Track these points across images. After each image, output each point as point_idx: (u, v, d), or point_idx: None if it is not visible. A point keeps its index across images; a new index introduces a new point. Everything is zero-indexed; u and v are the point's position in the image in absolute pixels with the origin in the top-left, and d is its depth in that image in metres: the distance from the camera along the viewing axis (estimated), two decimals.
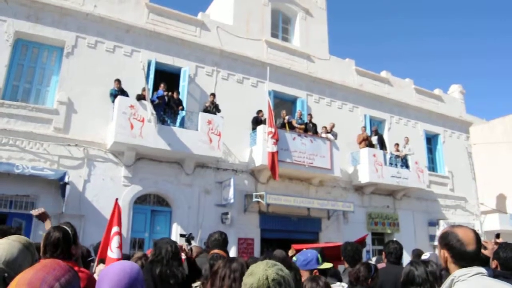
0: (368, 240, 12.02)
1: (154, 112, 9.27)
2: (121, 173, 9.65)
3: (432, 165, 16.10)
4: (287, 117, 12.02)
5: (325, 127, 12.36)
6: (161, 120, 9.85)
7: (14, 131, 8.75)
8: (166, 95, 10.20)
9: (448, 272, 1.98)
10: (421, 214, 14.64)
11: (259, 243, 11.12)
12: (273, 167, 10.32)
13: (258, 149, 11.00)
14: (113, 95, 9.65)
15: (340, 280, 3.94)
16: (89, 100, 9.72)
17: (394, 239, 4.99)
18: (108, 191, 9.28)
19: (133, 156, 9.67)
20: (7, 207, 8.48)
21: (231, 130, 10.91)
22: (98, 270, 4.13)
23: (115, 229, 4.29)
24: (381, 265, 4.19)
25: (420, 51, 65.19)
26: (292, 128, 11.84)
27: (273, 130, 10.47)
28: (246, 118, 11.54)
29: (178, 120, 10.34)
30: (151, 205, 10.18)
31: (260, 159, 10.80)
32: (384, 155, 13.32)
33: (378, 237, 13.62)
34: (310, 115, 12.61)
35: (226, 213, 10.56)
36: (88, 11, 10.10)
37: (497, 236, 4.16)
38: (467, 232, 1.94)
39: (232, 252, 10.23)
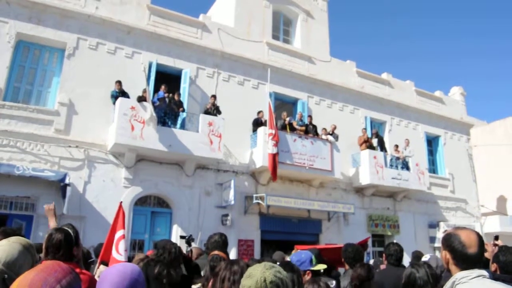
0: (369, 242, 11.99)
1: (154, 114, 9.28)
2: (122, 174, 9.66)
3: (433, 167, 16.11)
4: (287, 119, 12.01)
5: (325, 129, 12.37)
6: (161, 122, 9.85)
7: (15, 133, 8.76)
8: (167, 96, 10.21)
9: (450, 273, 1.97)
10: (421, 216, 14.64)
11: (259, 244, 11.11)
12: (273, 169, 10.33)
13: (258, 150, 11.01)
14: (114, 97, 9.67)
15: (338, 282, 3.96)
16: (90, 101, 9.73)
17: (395, 241, 4.98)
18: (108, 192, 9.30)
19: (134, 157, 9.67)
20: (8, 208, 8.49)
21: (231, 131, 10.92)
22: (99, 272, 4.12)
23: (120, 232, 4.27)
24: (381, 267, 4.19)
25: (421, 53, 65.31)
26: (292, 129, 11.83)
27: (273, 131, 10.47)
28: (246, 119, 11.55)
29: (179, 122, 10.34)
30: (152, 206, 10.18)
31: (261, 160, 10.80)
32: (385, 157, 13.32)
33: (378, 239, 13.61)
34: (310, 116, 12.62)
35: (226, 215, 10.55)
36: (89, 13, 10.12)
37: (496, 238, 4.14)
38: (470, 235, 1.94)
39: (232, 253, 10.22)
